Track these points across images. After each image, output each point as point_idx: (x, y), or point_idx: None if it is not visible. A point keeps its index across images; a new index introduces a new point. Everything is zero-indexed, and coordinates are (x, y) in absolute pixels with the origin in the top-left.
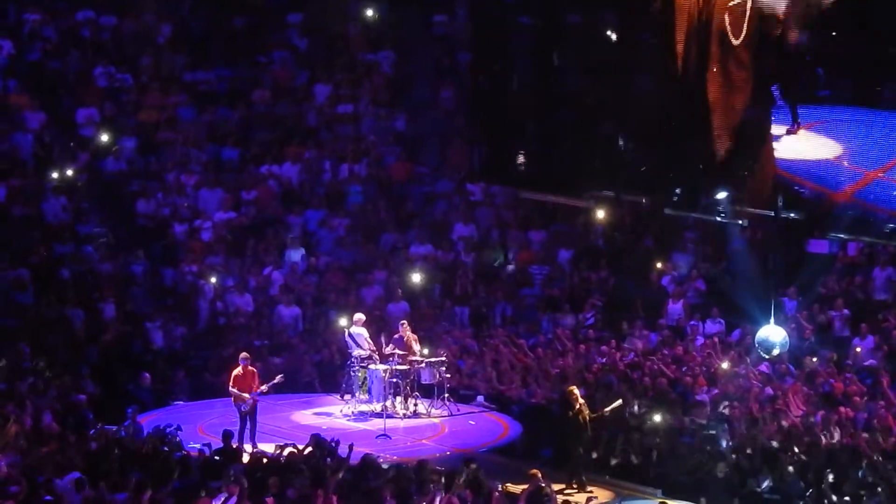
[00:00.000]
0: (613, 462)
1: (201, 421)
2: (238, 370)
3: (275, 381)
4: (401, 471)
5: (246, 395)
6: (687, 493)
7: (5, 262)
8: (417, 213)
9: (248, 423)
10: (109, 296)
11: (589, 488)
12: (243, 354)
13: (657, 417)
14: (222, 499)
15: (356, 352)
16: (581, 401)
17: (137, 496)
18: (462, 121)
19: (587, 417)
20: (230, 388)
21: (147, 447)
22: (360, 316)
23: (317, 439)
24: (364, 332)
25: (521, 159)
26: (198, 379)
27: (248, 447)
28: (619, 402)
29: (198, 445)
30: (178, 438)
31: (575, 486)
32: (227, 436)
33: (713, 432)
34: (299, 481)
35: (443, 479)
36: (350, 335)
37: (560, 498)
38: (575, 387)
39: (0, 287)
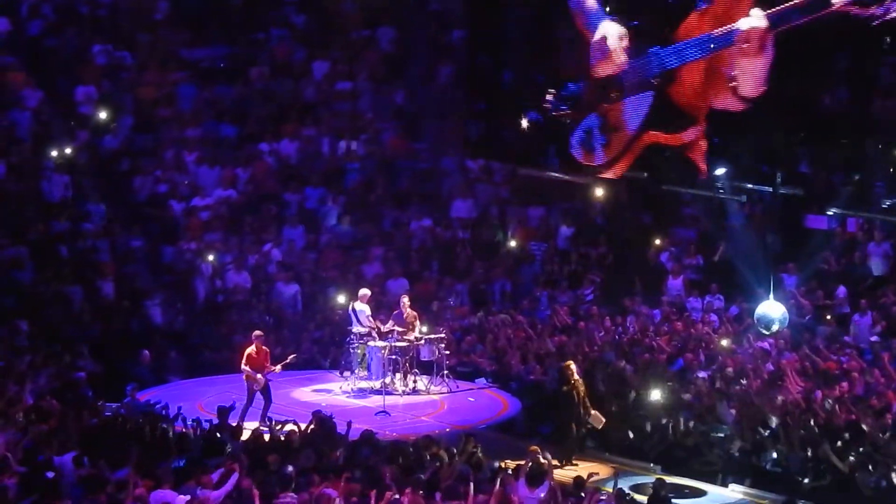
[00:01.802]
0: (612, 438)
1: (200, 398)
2: (251, 348)
3: (287, 360)
4: (400, 446)
5: (259, 375)
6: (685, 469)
7: (3, 240)
8: (416, 190)
9: (264, 400)
10: (108, 273)
11: (583, 464)
12: (257, 332)
13: (656, 394)
14: (219, 474)
15: (356, 328)
16: (577, 377)
17: (137, 473)
18: (460, 97)
19: (581, 394)
20: (243, 367)
21: (146, 424)
22: (364, 292)
23: (319, 416)
24: (367, 308)
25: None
26: (196, 356)
27: (253, 424)
28: (602, 421)
29: (189, 421)
30: (168, 415)
31: (563, 462)
32: (222, 411)
33: (712, 408)
34: (302, 458)
35: (443, 454)
36: (353, 311)
37: (561, 473)
38: (572, 362)
39: None
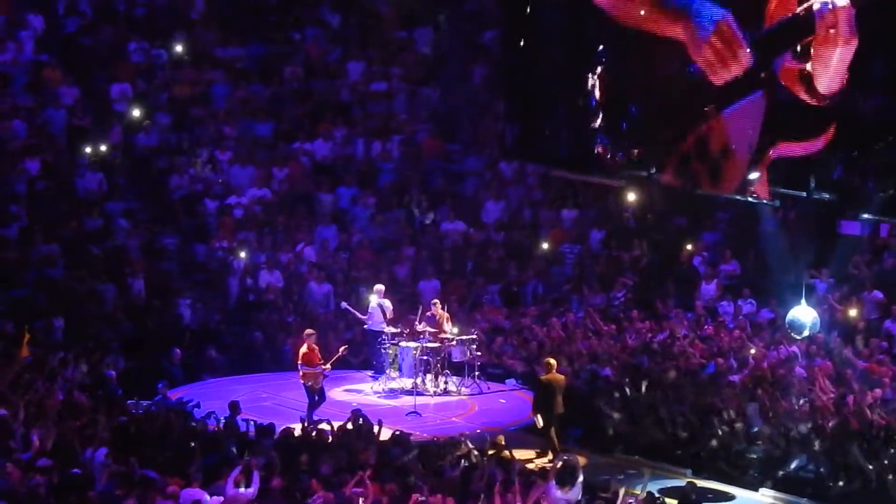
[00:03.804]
0: (643, 441)
1: (232, 397)
2: (304, 347)
3: (338, 356)
4: (430, 447)
5: (317, 372)
6: (715, 473)
7: (37, 237)
8: (449, 191)
9: (317, 399)
10: (140, 271)
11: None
12: (308, 331)
13: (687, 397)
14: (238, 470)
15: (385, 328)
16: (555, 374)
17: (167, 471)
18: (494, 98)
19: (556, 391)
20: (299, 366)
21: (176, 422)
22: (381, 287)
23: (357, 415)
24: (389, 302)
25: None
26: (228, 354)
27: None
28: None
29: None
30: (198, 413)
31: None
32: (233, 406)
33: (743, 412)
34: (334, 457)
35: (473, 455)
36: (381, 307)
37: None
38: (552, 359)
39: (31, 262)
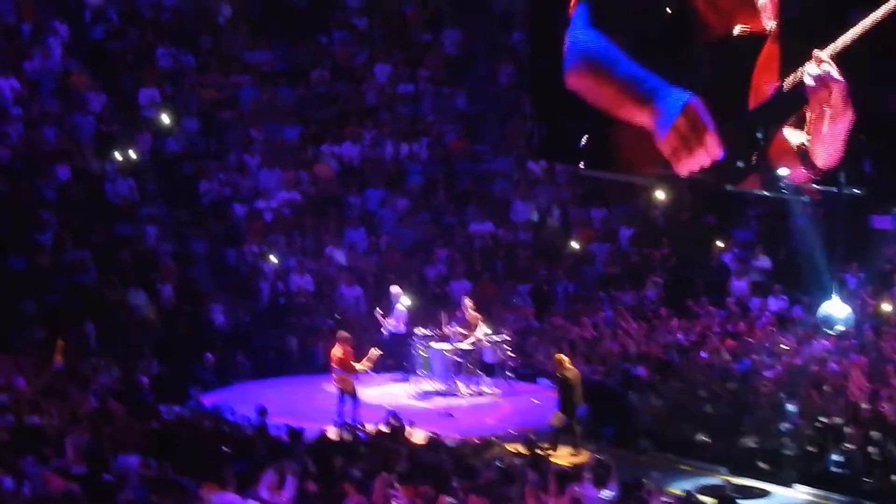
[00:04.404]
0: (677, 439)
1: (264, 400)
2: (338, 350)
3: (371, 358)
4: (464, 449)
5: (351, 375)
6: (750, 470)
7: (68, 244)
8: (477, 192)
9: (350, 402)
10: (171, 276)
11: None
12: (342, 334)
13: (721, 394)
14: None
15: (420, 330)
16: (569, 368)
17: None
18: (522, 98)
19: (575, 386)
20: (333, 369)
21: (209, 427)
22: (399, 289)
23: (393, 417)
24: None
25: (583, 139)
26: (260, 358)
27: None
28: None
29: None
30: (231, 418)
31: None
32: (262, 411)
33: (777, 409)
34: (368, 460)
35: (506, 456)
36: (404, 307)
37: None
38: (563, 355)
39: (62, 268)
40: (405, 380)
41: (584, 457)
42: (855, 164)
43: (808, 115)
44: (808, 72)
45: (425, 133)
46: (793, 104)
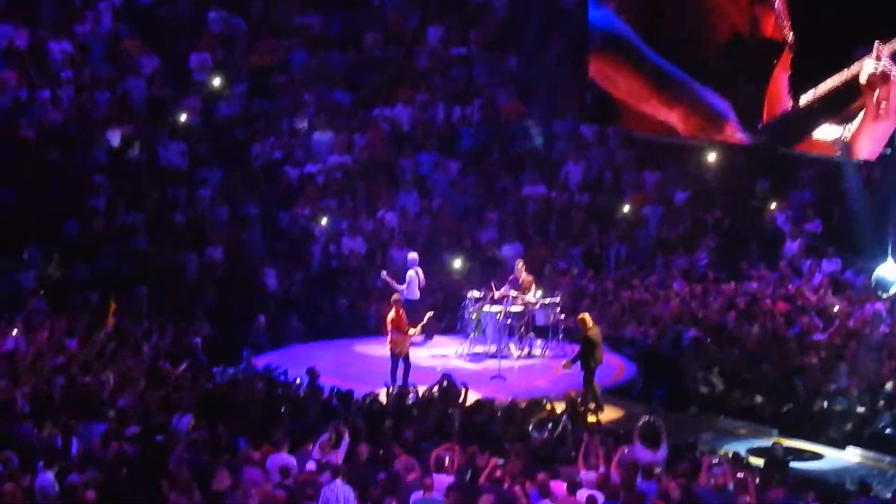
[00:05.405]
0: (728, 401)
1: (316, 363)
2: (392, 313)
3: (424, 322)
4: (515, 411)
5: (405, 337)
6: (802, 432)
7: (120, 208)
8: (530, 155)
9: (402, 364)
10: (223, 240)
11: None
12: (395, 297)
13: (773, 357)
14: (324, 438)
15: (472, 293)
16: (591, 326)
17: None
18: (574, 61)
19: (597, 345)
20: (388, 332)
21: (261, 389)
22: (415, 255)
23: (446, 379)
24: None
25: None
26: (312, 321)
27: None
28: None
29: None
30: (284, 380)
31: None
32: (312, 373)
33: (829, 371)
34: (420, 422)
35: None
36: (417, 275)
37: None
38: (587, 316)
39: (115, 232)
40: (458, 343)
41: (616, 413)
42: None
43: (863, 114)
44: (866, 68)
45: (477, 96)
46: (846, 99)
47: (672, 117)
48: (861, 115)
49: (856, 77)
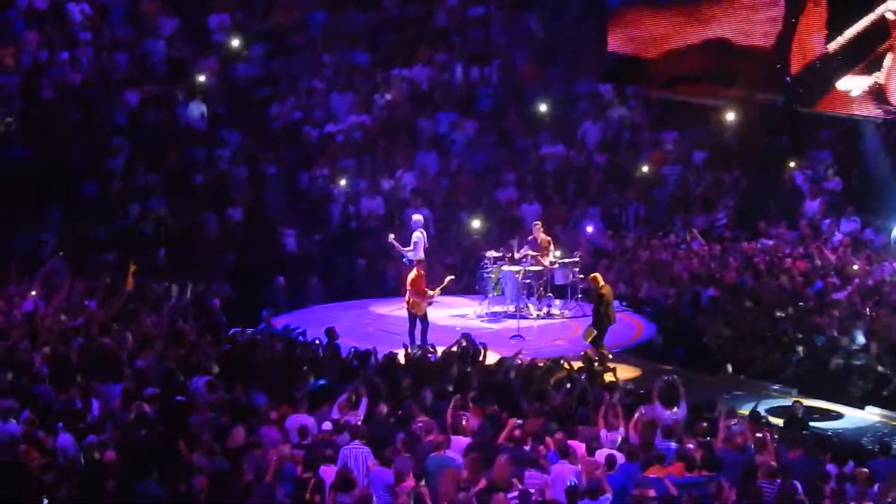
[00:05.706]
0: (747, 361)
1: (335, 323)
2: (413, 273)
3: (444, 284)
4: (533, 370)
5: (425, 298)
6: (822, 392)
7: (139, 169)
8: (548, 114)
9: (422, 324)
10: (243, 200)
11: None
12: (419, 257)
13: (792, 316)
14: (345, 397)
15: (491, 253)
16: (602, 284)
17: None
18: (593, 21)
19: (610, 303)
20: (409, 292)
21: (280, 349)
22: (421, 217)
23: (465, 338)
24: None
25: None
26: (330, 282)
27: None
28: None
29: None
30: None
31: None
32: (331, 333)
33: (849, 331)
34: (437, 382)
35: (575, 378)
36: (423, 238)
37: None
38: (598, 274)
39: (134, 193)
40: (477, 302)
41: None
42: None
43: (890, 55)
44: (891, 4)
45: (496, 56)
46: (873, 41)
47: (708, 33)
48: (889, 58)
49: (881, 17)
